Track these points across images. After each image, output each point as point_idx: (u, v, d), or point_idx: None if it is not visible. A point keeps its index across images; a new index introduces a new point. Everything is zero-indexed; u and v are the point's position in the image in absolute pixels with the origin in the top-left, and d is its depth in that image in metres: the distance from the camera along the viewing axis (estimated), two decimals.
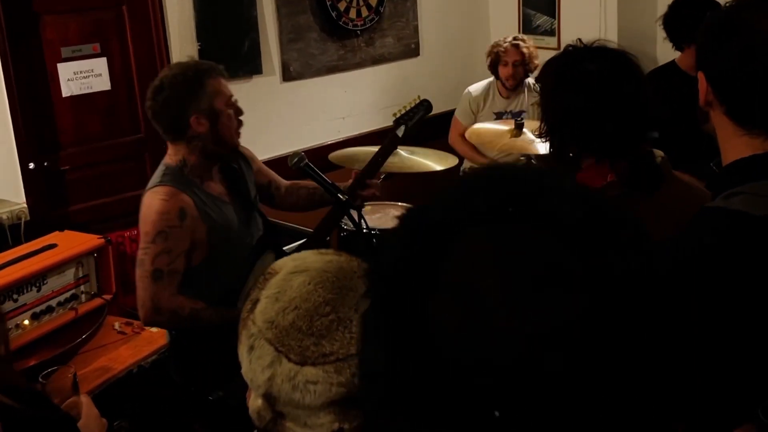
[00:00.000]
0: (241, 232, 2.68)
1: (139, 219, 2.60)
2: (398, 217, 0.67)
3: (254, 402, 1.11)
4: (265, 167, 2.98)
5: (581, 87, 1.76)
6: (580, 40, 1.83)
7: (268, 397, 1.08)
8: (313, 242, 2.79)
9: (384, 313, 0.62)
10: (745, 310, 1.21)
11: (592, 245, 0.58)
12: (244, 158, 2.82)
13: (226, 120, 2.58)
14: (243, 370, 1.12)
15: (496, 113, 4.55)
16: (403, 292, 0.60)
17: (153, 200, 2.54)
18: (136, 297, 2.55)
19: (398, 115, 2.98)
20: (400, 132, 2.89)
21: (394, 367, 0.60)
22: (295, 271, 1.12)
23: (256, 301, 1.12)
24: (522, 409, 0.55)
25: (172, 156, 2.63)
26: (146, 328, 2.87)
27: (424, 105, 2.99)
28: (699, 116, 2.83)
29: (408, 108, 2.99)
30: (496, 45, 4.48)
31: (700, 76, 1.37)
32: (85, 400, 1.72)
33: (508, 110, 4.52)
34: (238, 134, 2.66)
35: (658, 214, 1.53)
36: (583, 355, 0.55)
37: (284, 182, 2.98)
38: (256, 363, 1.08)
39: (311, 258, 1.15)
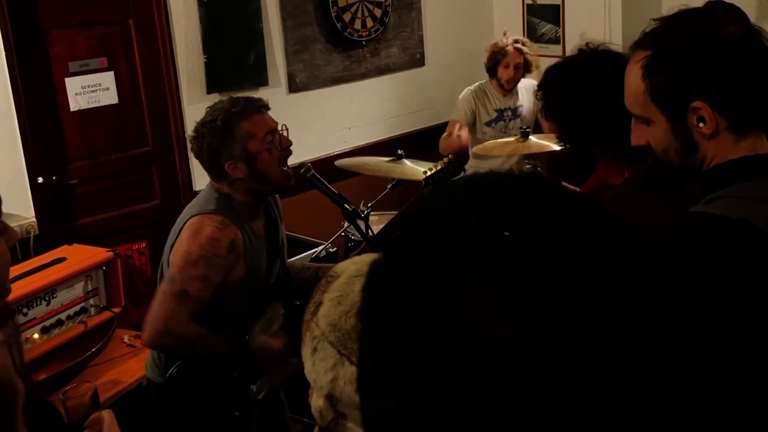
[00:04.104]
0: (264, 275, 2.61)
1: (181, 238, 2.46)
2: (385, 254, 0.62)
3: (316, 402, 1.14)
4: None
5: (601, 85, 1.83)
6: (588, 43, 1.91)
7: (330, 398, 1.11)
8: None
9: (388, 360, 0.58)
10: (724, 314, 1.22)
11: (594, 270, 0.55)
12: (276, 204, 2.75)
13: (266, 158, 2.49)
14: (306, 371, 1.14)
15: (497, 110, 4.57)
16: (405, 337, 0.56)
17: (204, 224, 2.43)
18: (149, 311, 2.43)
19: (428, 174, 2.93)
20: (427, 192, 2.84)
21: (408, 415, 0.56)
22: (357, 275, 1.13)
23: (319, 304, 1.13)
24: None
25: (217, 185, 2.54)
26: None
27: (454, 166, 2.93)
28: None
29: (438, 168, 2.94)
30: (499, 46, 4.49)
31: (699, 105, 1.35)
32: (107, 415, 1.67)
33: (507, 107, 4.57)
34: (284, 167, 2.55)
35: (678, 206, 1.54)
36: (605, 391, 0.53)
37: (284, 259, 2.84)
38: (320, 365, 1.10)
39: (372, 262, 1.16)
